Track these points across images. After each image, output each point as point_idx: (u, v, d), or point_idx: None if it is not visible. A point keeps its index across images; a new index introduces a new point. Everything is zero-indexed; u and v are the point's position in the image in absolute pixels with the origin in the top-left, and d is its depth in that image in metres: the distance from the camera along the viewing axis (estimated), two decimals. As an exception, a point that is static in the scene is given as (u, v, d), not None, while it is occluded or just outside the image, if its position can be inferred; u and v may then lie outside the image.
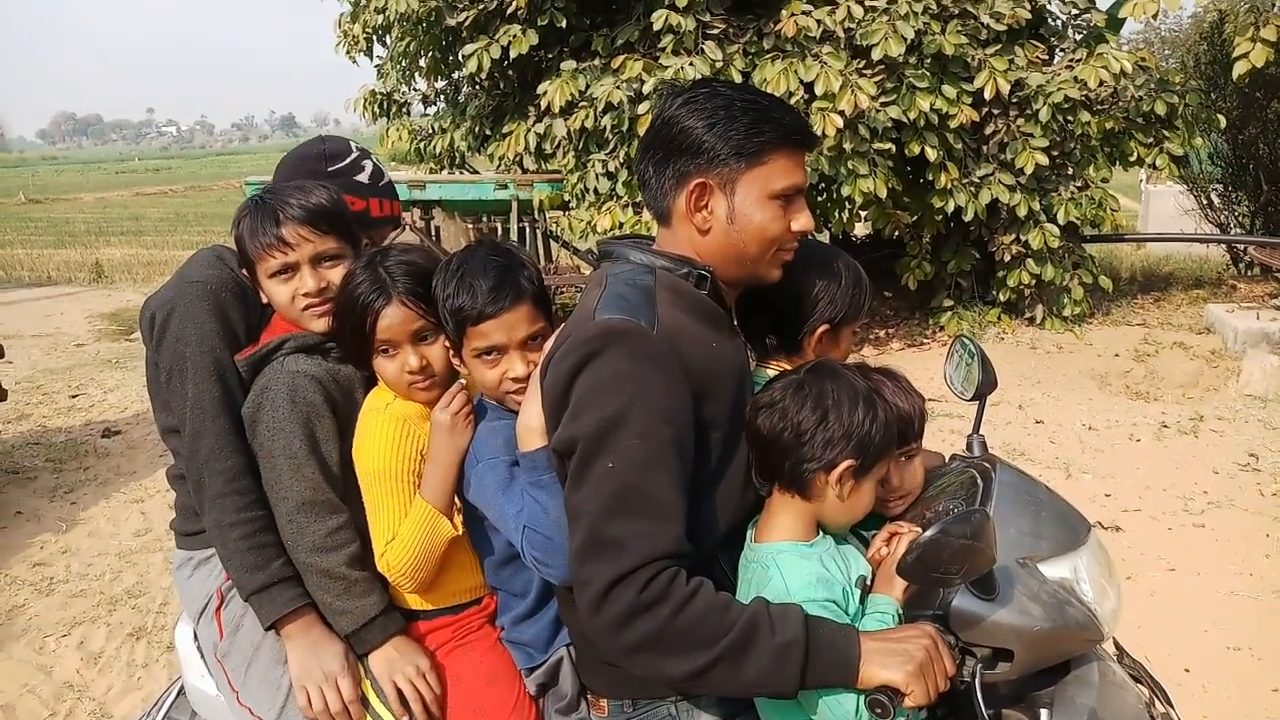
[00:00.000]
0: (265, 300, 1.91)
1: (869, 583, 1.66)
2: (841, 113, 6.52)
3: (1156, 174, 8.40)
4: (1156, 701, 1.87)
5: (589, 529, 1.45)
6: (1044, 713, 1.64)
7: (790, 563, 1.59)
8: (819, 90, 6.60)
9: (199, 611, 1.95)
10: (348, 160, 2.12)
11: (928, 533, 1.40)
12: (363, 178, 2.12)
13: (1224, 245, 10.63)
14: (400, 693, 1.80)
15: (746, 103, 1.62)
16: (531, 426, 1.63)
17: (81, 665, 3.88)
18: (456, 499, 1.79)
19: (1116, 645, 2.03)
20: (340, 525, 1.80)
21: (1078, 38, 8.17)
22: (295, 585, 1.79)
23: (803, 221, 1.66)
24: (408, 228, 8.25)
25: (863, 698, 1.47)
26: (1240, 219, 10.76)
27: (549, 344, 1.66)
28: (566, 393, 1.51)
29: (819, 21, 6.75)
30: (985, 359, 2.11)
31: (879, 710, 1.43)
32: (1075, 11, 8.21)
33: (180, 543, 2.01)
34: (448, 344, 1.78)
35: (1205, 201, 10.94)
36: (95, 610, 4.31)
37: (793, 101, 6.67)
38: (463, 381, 1.82)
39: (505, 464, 1.71)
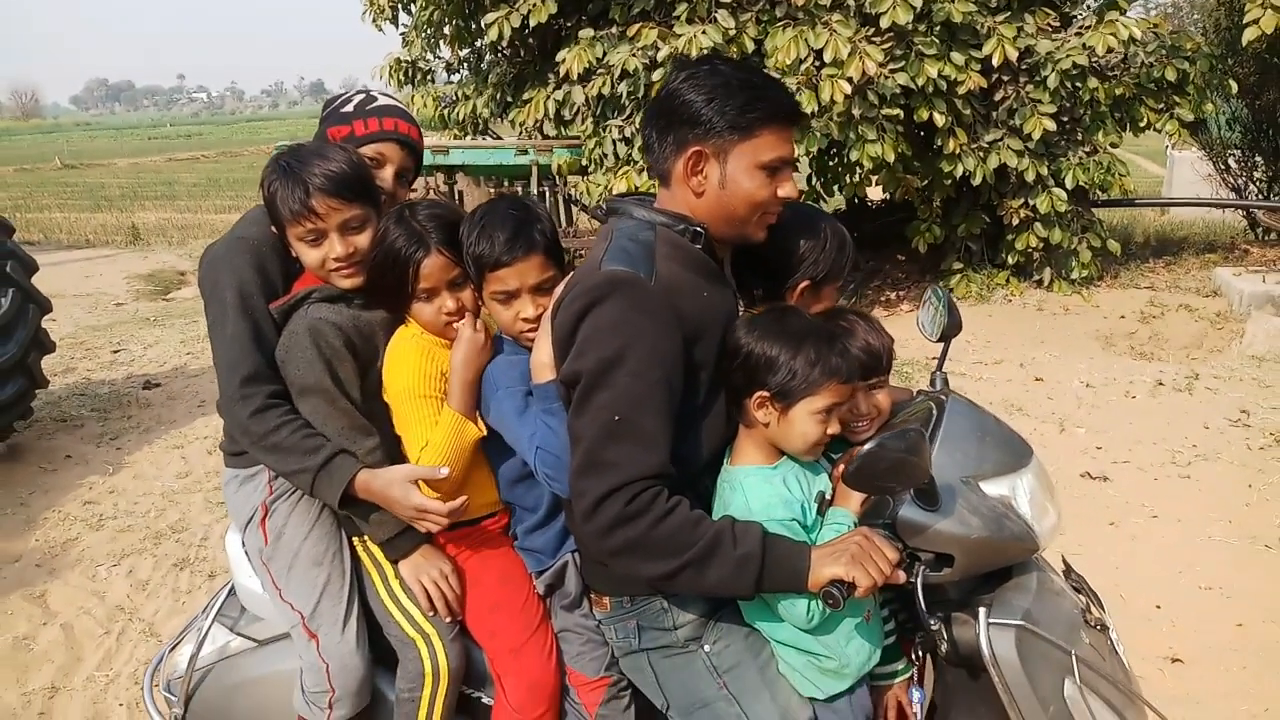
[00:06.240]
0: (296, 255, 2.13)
1: (829, 498, 1.91)
2: (850, 79, 6.68)
3: (1183, 139, 8.46)
4: (1093, 608, 2.10)
5: (587, 451, 1.69)
6: (982, 611, 1.86)
7: (754, 485, 1.84)
8: (828, 57, 6.75)
9: (246, 521, 2.21)
10: (337, 100, 2.31)
11: (867, 445, 1.64)
12: (348, 109, 2.26)
13: (1241, 210, 10.69)
14: (427, 592, 2.07)
15: (742, 81, 1.81)
16: (543, 362, 1.87)
17: (131, 591, 4.22)
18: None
19: (1065, 562, 2.26)
20: (376, 445, 2.04)
21: (1093, 4, 8.25)
22: (351, 455, 2.01)
23: (787, 189, 1.86)
24: (431, 192, 8.49)
25: (815, 600, 1.73)
26: (1258, 183, 10.80)
27: (559, 290, 1.89)
28: (573, 333, 1.75)
29: (829, -11, 6.90)
30: (952, 305, 2.33)
31: (830, 601, 1.68)
32: (1089, -23, 8.31)
33: (229, 462, 2.26)
34: None
35: (1223, 166, 10.99)
36: (142, 543, 4.65)
37: (802, 68, 6.85)
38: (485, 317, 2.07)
39: (521, 393, 1.95)
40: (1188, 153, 12.04)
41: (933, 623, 1.82)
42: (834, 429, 1.86)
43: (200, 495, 5.16)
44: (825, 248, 2.05)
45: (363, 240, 2.05)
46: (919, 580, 1.81)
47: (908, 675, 2.04)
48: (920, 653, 1.99)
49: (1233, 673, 3.34)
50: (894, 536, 1.81)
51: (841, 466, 1.93)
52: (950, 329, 2.32)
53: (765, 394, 1.79)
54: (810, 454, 1.89)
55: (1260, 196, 10.64)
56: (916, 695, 2.01)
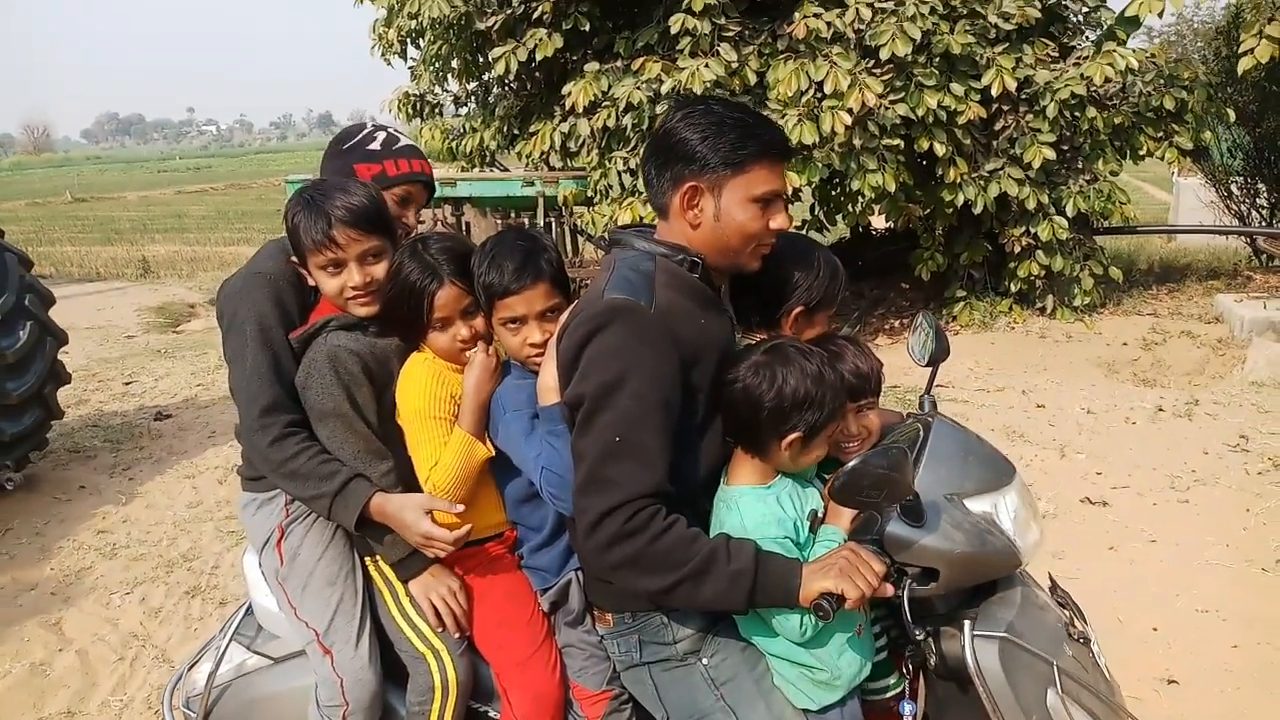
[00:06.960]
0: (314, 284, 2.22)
1: (820, 515, 1.99)
2: (850, 110, 6.81)
3: (1184, 166, 8.54)
4: (1076, 622, 2.17)
5: (589, 469, 1.78)
6: (967, 623, 1.94)
7: (749, 505, 1.92)
8: (829, 89, 6.89)
9: (263, 543, 2.30)
10: (360, 135, 2.41)
11: (851, 462, 1.73)
12: (374, 146, 2.37)
13: (1245, 237, 10.76)
14: (436, 609, 2.15)
15: (735, 119, 1.91)
16: (549, 386, 1.95)
17: (144, 618, 4.29)
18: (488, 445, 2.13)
19: (1050, 578, 2.32)
20: (390, 469, 2.14)
21: (1091, 37, 8.39)
22: (366, 479, 2.10)
23: (779, 221, 1.95)
24: (439, 224, 8.63)
25: (808, 615, 1.81)
26: (1260, 210, 10.88)
27: (564, 317, 1.98)
28: (577, 358, 1.84)
29: (829, 23, 7.05)
30: (940, 332, 2.42)
31: (821, 613, 1.75)
32: (1086, 9, 8.44)
33: (246, 486, 2.35)
34: None
35: (1225, 193, 11.08)
36: (154, 571, 4.73)
37: (804, 100, 6.98)
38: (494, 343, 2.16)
39: (528, 415, 2.03)
40: (1193, 180, 12.15)
41: (919, 634, 1.89)
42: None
43: (211, 524, 5.24)
44: (818, 275, 2.14)
45: (379, 270, 2.15)
46: (905, 593, 1.89)
47: (899, 689, 2.10)
48: (911, 666, 2.06)
49: (1227, 694, 3.38)
50: (882, 552, 1.88)
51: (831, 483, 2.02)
52: (938, 354, 2.41)
53: (798, 435, 1.87)
54: (804, 471, 1.99)
55: (1263, 223, 10.71)
56: (909, 709, 2.06)
